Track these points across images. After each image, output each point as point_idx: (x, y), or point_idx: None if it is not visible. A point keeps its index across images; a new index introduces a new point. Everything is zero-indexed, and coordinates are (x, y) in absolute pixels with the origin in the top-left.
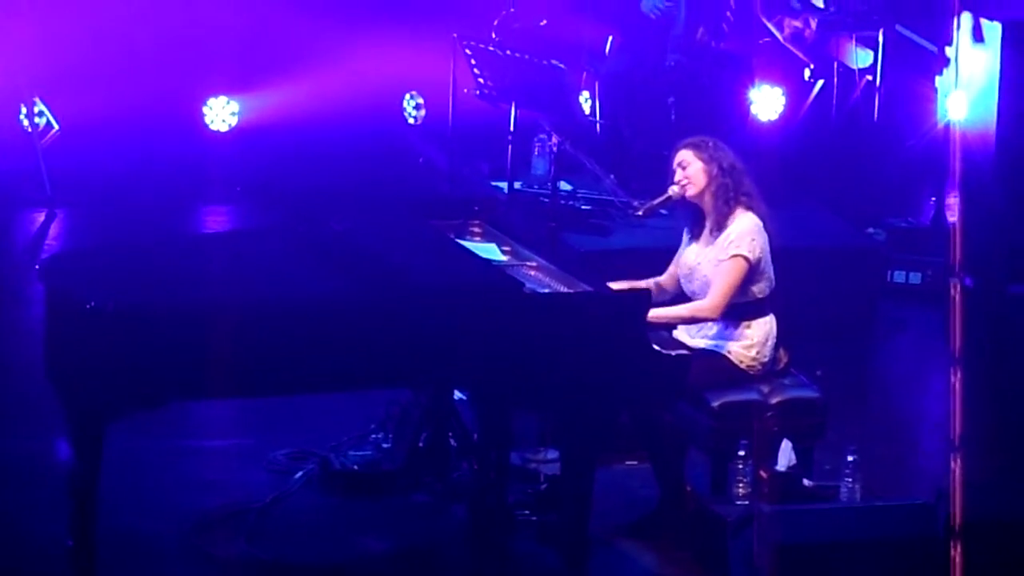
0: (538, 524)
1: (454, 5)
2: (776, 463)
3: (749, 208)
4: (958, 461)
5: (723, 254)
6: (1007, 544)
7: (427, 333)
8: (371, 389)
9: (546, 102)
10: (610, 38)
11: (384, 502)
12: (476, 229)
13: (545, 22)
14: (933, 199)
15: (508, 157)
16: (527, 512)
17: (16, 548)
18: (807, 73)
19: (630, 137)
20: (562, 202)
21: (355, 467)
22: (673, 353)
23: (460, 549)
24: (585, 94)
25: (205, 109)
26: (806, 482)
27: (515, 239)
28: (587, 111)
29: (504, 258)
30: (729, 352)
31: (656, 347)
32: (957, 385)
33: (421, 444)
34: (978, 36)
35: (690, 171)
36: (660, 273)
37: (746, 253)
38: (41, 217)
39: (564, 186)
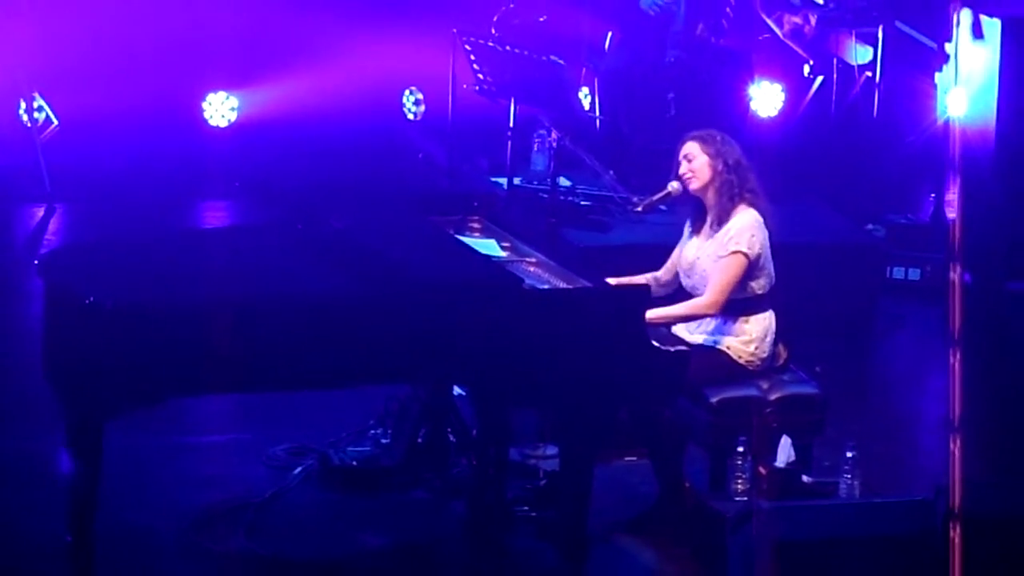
0: (537, 520)
1: (454, 1)
2: (775, 459)
3: (751, 205)
4: (957, 442)
5: (722, 250)
6: (1006, 539)
7: (426, 329)
8: (370, 385)
9: (545, 98)
10: (609, 34)
11: (383, 498)
12: (475, 225)
13: (545, 18)
14: (932, 195)
15: (507, 153)
16: (526, 508)
17: (15, 545)
18: (807, 69)
19: (629, 133)
20: (561, 198)
21: (354, 463)
22: (672, 349)
23: (459, 545)
24: (584, 90)
25: (204, 104)
26: (805, 478)
27: (514, 235)
28: (586, 107)
29: (503, 254)
30: (728, 347)
31: (655, 343)
32: (956, 366)
33: (420, 440)
34: (977, 32)
35: (695, 164)
36: (659, 269)
37: (745, 249)
38: (40, 212)
39: (563, 182)
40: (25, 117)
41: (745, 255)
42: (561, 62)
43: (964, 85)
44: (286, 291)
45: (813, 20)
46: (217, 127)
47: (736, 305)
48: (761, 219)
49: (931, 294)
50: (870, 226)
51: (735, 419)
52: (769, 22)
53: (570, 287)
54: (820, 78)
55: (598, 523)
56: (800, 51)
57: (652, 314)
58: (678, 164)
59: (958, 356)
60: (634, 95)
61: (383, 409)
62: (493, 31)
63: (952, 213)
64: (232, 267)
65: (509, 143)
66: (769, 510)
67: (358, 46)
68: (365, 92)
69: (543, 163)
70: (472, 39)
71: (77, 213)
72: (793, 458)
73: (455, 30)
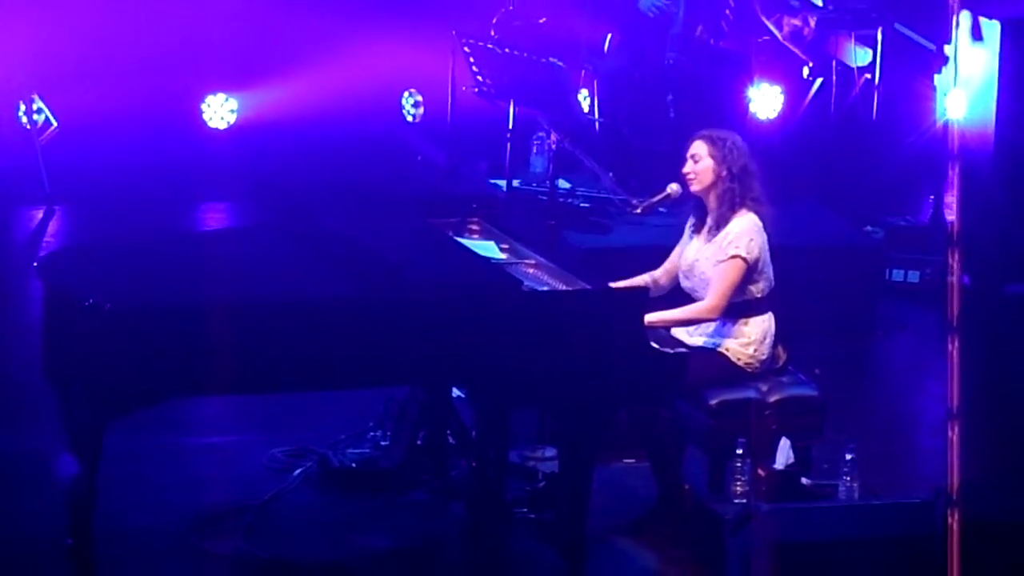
0: (536, 522)
1: (453, 3)
2: (774, 461)
3: (752, 210)
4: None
5: (721, 254)
6: (1005, 541)
7: (426, 331)
8: (369, 387)
9: (545, 100)
10: (609, 36)
11: (382, 500)
12: (475, 227)
13: (544, 20)
14: (932, 197)
15: (507, 155)
16: (525, 510)
17: (15, 546)
18: (806, 71)
19: (629, 135)
20: (561, 200)
21: (353, 465)
22: (671, 351)
23: (458, 547)
24: (584, 92)
25: (203, 106)
26: (804, 480)
27: (514, 237)
28: (586, 109)
29: (503, 256)
30: (727, 350)
31: (654, 345)
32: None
33: (419, 442)
34: (977, 34)
35: (699, 167)
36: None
37: (744, 254)
38: (39, 214)
39: (563, 184)
40: (24, 119)
41: (744, 259)
42: (560, 64)
43: (963, 87)
44: (285, 293)
45: (812, 22)
46: (216, 129)
47: (735, 308)
48: (760, 223)
49: (930, 296)
50: (869, 228)
51: (734, 421)
52: (768, 24)
53: (569, 289)
54: (819, 80)
55: (597, 525)
56: (799, 53)
57: (652, 318)
58: (684, 161)
59: (956, 344)
60: (633, 97)
61: (382, 411)
62: (492, 33)
63: (951, 215)
64: (231, 269)
65: (508, 145)
66: (768, 512)
67: (357, 48)
68: (364, 94)
69: (542, 165)
70: (471, 41)
71: (76, 215)
72: (792, 460)
73: (454, 32)
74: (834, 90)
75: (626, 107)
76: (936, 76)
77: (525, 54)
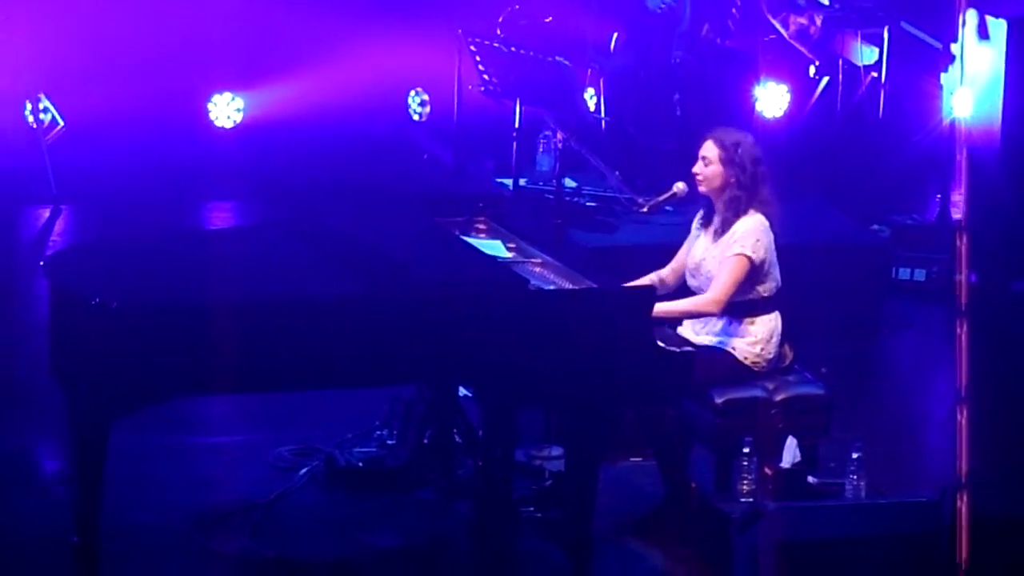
0: (543, 521)
1: (459, 1)
2: (781, 460)
3: (760, 211)
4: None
5: (727, 251)
6: (1010, 539)
7: (432, 330)
8: (376, 386)
9: (551, 99)
10: (615, 35)
11: (388, 499)
12: (481, 226)
13: (550, 18)
14: (938, 196)
15: (513, 154)
16: (532, 509)
17: (21, 544)
18: (812, 70)
19: (635, 134)
20: (567, 199)
21: (360, 464)
22: (678, 350)
23: (465, 546)
24: (590, 91)
25: (210, 105)
26: (811, 479)
27: (520, 236)
28: (592, 108)
29: (509, 255)
30: (734, 348)
31: (661, 344)
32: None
33: (426, 441)
34: (983, 33)
35: (708, 171)
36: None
37: (749, 253)
38: (46, 213)
39: (569, 183)
40: (31, 118)
41: (749, 258)
42: (566, 63)
43: (969, 85)
44: (292, 292)
45: (819, 21)
46: (223, 128)
47: (742, 307)
48: (767, 224)
49: (937, 295)
50: (875, 227)
51: (741, 420)
52: (775, 23)
53: (576, 288)
54: (826, 79)
55: (604, 524)
56: (806, 52)
57: (655, 308)
58: (692, 159)
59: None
60: (639, 96)
61: (389, 410)
62: (498, 32)
63: (958, 214)
64: (237, 268)
65: (515, 144)
66: (775, 511)
67: (363, 47)
68: (370, 93)
69: (549, 164)
70: (477, 40)
71: (83, 214)
72: (799, 459)
73: (460, 31)
74: (840, 89)
75: (632, 106)
76: (942, 74)
77: (531, 53)
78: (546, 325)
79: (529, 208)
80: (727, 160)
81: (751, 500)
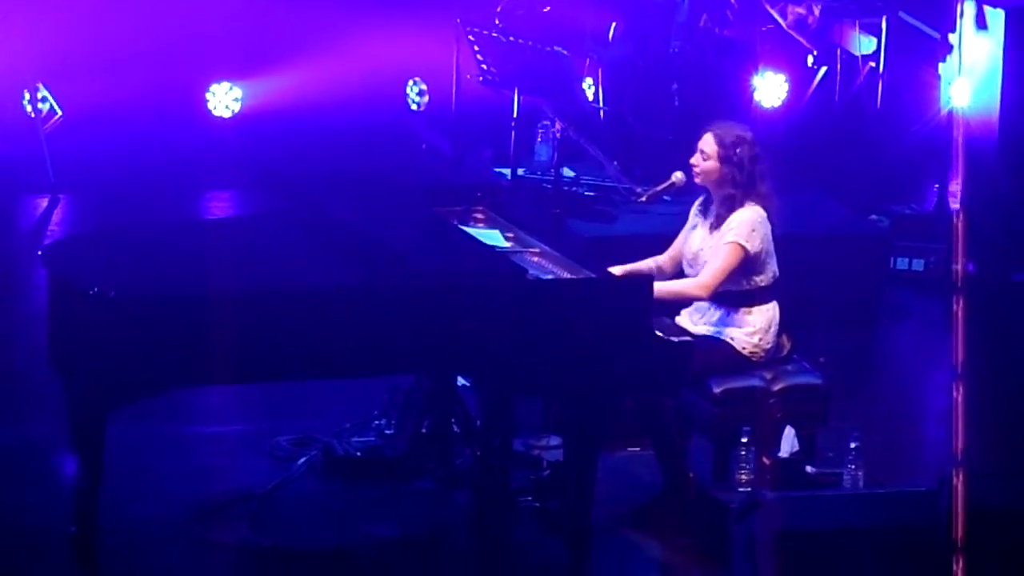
0: (541, 511)
1: None
2: (779, 450)
3: (757, 203)
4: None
5: (721, 240)
6: (1009, 530)
7: (430, 320)
8: (374, 375)
9: (549, 88)
10: (613, 24)
11: (387, 488)
12: (479, 216)
13: (548, 8)
14: (936, 186)
15: (511, 143)
16: (530, 499)
17: (19, 535)
18: (810, 60)
19: (633, 123)
20: (565, 188)
21: (358, 453)
22: (676, 339)
23: (463, 535)
24: (588, 80)
25: (208, 95)
26: (809, 469)
27: (518, 225)
28: (590, 97)
29: (507, 245)
30: (731, 338)
31: (659, 333)
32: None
33: (424, 430)
34: (981, 23)
35: (704, 166)
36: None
37: (743, 241)
38: (44, 203)
39: (567, 172)
40: (29, 108)
41: (743, 247)
42: (565, 52)
43: (967, 75)
44: (290, 281)
45: (817, 10)
46: (221, 118)
47: (739, 297)
48: (764, 215)
49: (935, 284)
50: (874, 217)
51: (739, 409)
52: (773, 12)
53: (574, 277)
54: (824, 68)
55: (602, 513)
56: (804, 41)
57: None
58: (690, 148)
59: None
60: (638, 85)
61: (387, 400)
62: (497, 21)
63: (956, 203)
64: (236, 257)
65: (513, 133)
66: (773, 500)
67: (362, 36)
68: (369, 83)
69: (547, 153)
70: (476, 29)
71: (81, 203)
72: (797, 448)
73: (459, 20)
74: (838, 78)
75: (631, 95)
76: (940, 64)
77: (529, 42)
78: (544, 315)
79: (527, 198)
80: (724, 158)
81: (749, 490)
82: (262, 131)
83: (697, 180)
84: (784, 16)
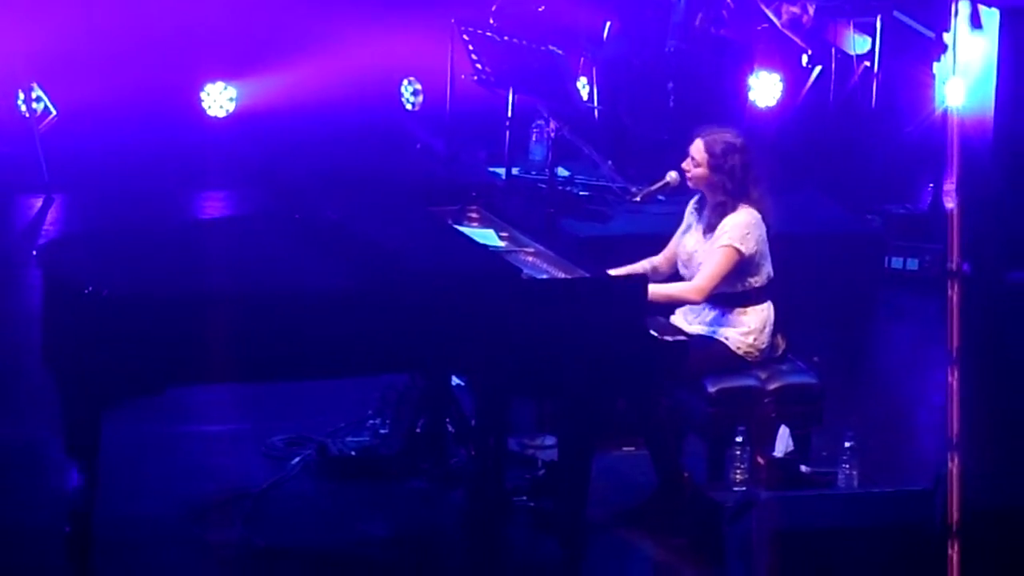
0: (535, 510)
1: None
2: (773, 449)
3: (751, 206)
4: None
5: (715, 243)
6: (1005, 533)
7: (425, 319)
8: (368, 375)
9: (544, 88)
10: (608, 24)
11: (381, 488)
12: (474, 215)
13: (543, 7)
14: (931, 185)
15: (506, 143)
16: (524, 498)
17: (13, 534)
18: (805, 59)
19: (628, 123)
20: (560, 188)
21: (352, 453)
22: (670, 339)
23: (457, 535)
24: (583, 80)
25: (203, 95)
26: (803, 468)
27: (513, 225)
28: (585, 97)
29: (502, 244)
30: (726, 338)
31: (653, 333)
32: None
33: (418, 430)
34: (976, 23)
35: (696, 172)
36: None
37: (738, 245)
38: (39, 202)
39: (562, 172)
40: (24, 107)
41: (737, 250)
42: (559, 52)
43: (962, 75)
44: (284, 281)
45: (811, 10)
46: (215, 117)
47: (734, 297)
48: (759, 217)
49: (929, 284)
50: (868, 216)
51: (734, 409)
52: (768, 12)
53: (569, 277)
54: (818, 68)
55: (596, 513)
56: (798, 41)
57: None
58: (684, 149)
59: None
60: (633, 85)
61: (381, 399)
62: (491, 21)
63: (950, 203)
64: (230, 257)
65: (507, 133)
66: (767, 500)
67: (356, 36)
68: (363, 82)
69: (541, 153)
70: (470, 29)
71: (75, 203)
72: (791, 448)
73: (453, 20)
74: (833, 78)
75: (625, 95)
76: (935, 64)
77: (524, 42)
78: (539, 314)
79: (522, 197)
80: (714, 167)
81: (744, 489)
82: (256, 131)
83: (690, 184)
84: (779, 15)
